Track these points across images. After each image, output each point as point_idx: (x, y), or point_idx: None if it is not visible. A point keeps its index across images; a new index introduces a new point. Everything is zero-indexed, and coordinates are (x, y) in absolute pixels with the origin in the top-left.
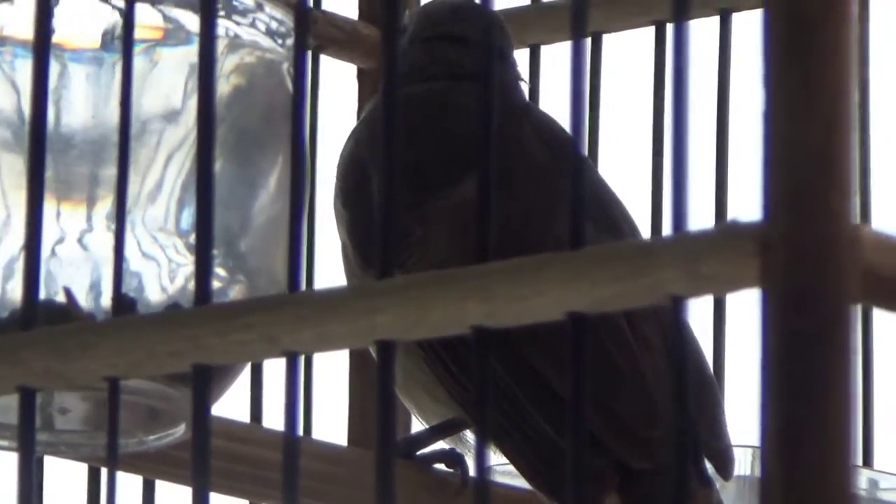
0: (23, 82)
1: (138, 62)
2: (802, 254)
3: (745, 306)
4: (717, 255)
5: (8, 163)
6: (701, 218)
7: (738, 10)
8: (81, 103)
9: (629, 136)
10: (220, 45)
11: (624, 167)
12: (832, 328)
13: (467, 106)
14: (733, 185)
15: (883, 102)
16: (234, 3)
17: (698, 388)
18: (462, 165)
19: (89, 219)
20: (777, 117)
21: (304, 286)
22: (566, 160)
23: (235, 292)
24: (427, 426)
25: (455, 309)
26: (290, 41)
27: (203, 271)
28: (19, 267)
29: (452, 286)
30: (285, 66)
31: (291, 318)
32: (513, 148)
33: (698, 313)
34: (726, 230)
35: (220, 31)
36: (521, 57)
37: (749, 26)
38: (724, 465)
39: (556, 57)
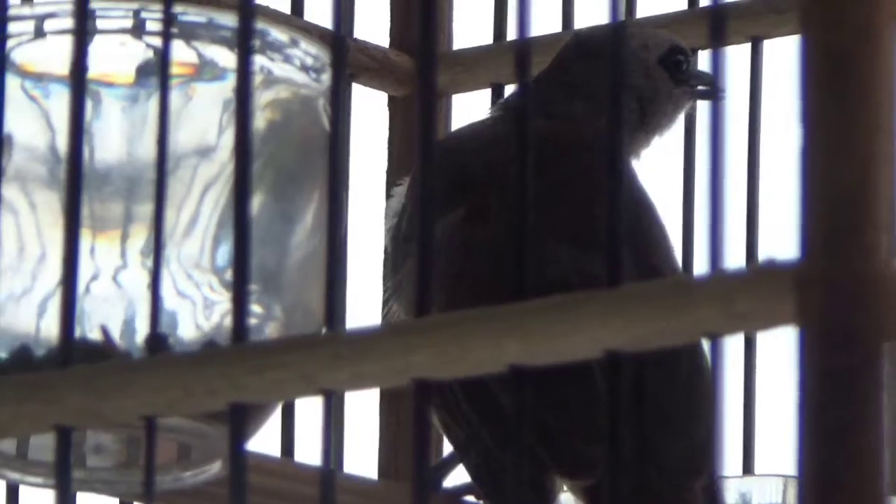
0: (57, 118)
1: (173, 98)
2: (839, 291)
3: (777, 343)
4: (754, 293)
5: (42, 200)
6: (733, 254)
7: (769, 37)
8: (116, 139)
9: (660, 165)
10: (255, 81)
11: (655, 196)
12: (869, 365)
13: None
14: (764, 218)
15: None
16: (269, 39)
17: (689, 414)
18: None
19: (123, 255)
20: (814, 155)
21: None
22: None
23: (271, 329)
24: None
25: (491, 347)
26: (325, 76)
27: (239, 309)
28: (54, 304)
29: (489, 324)
30: (321, 101)
31: (327, 356)
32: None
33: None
34: (763, 268)
35: (255, 67)
36: None
37: (780, 53)
38: (710, 498)
39: None
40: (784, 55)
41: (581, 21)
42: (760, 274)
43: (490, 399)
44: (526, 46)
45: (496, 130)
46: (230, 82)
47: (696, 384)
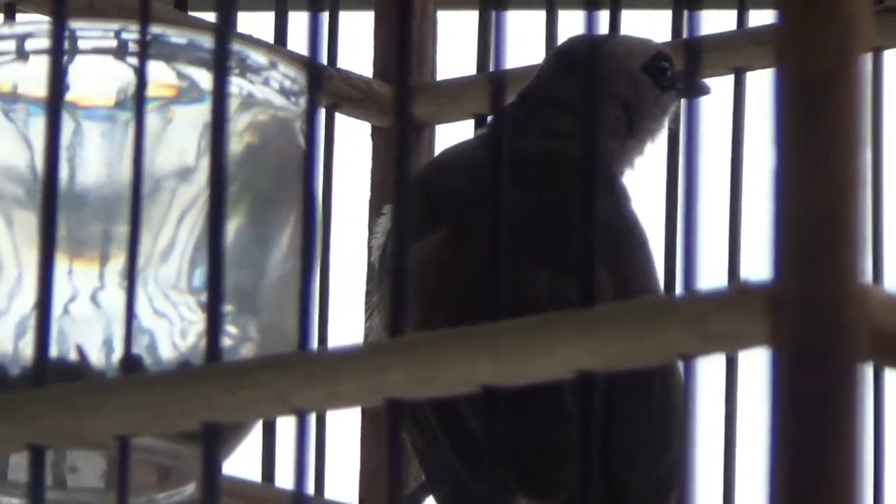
0: (36, 140)
1: (152, 120)
2: (812, 313)
3: (757, 365)
4: (728, 314)
5: (20, 220)
6: (714, 277)
7: (752, 69)
8: (95, 161)
9: (643, 190)
10: (233, 103)
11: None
12: (841, 386)
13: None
14: (747, 243)
15: None
16: (248, 61)
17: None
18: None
19: (102, 276)
20: (788, 178)
21: (316, 344)
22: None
23: (247, 350)
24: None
25: (465, 367)
26: (303, 99)
27: (213, 329)
28: (31, 325)
29: (462, 344)
30: (298, 124)
31: (301, 375)
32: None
33: (709, 371)
34: (736, 289)
35: (233, 89)
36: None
37: (763, 85)
38: None
39: None
40: (766, 86)
41: None
42: (733, 295)
43: (461, 424)
44: (502, 77)
45: (481, 151)
46: (209, 105)
47: (669, 404)
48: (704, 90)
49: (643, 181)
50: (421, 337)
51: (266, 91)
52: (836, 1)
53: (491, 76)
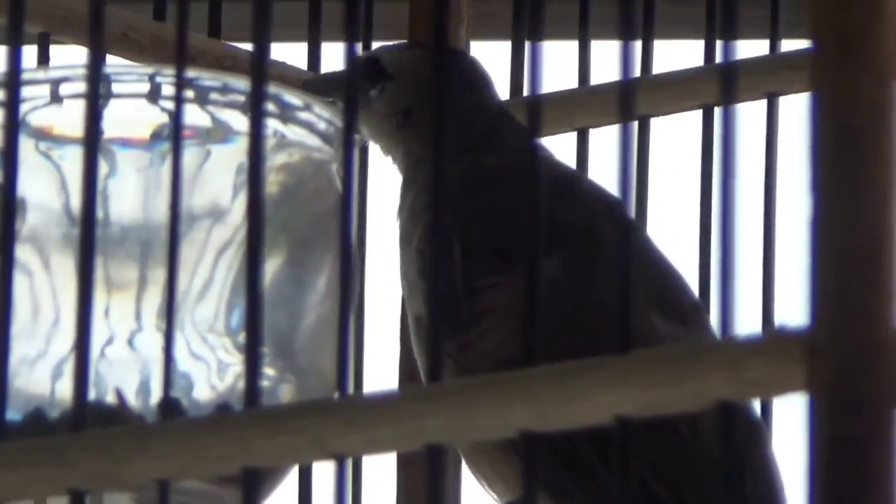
0: (73, 182)
1: (187, 161)
2: (849, 359)
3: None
4: (764, 360)
5: (58, 262)
6: (748, 317)
7: (785, 93)
8: (130, 202)
9: (676, 220)
10: (268, 144)
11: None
12: (879, 432)
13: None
14: (781, 277)
15: None
16: (283, 103)
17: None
18: (549, 244)
19: (138, 318)
20: (824, 225)
21: (352, 387)
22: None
23: (284, 391)
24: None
25: (503, 413)
26: (338, 141)
27: (252, 374)
28: (69, 367)
29: (500, 390)
30: (334, 165)
31: (340, 421)
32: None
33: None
34: (773, 335)
35: (268, 130)
36: (569, 140)
37: (796, 110)
38: None
39: (604, 141)
40: (800, 112)
41: (597, 77)
42: (770, 341)
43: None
44: (538, 102)
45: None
46: (243, 145)
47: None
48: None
49: (675, 212)
50: (458, 383)
51: (301, 133)
52: (871, 47)
53: (527, 100)
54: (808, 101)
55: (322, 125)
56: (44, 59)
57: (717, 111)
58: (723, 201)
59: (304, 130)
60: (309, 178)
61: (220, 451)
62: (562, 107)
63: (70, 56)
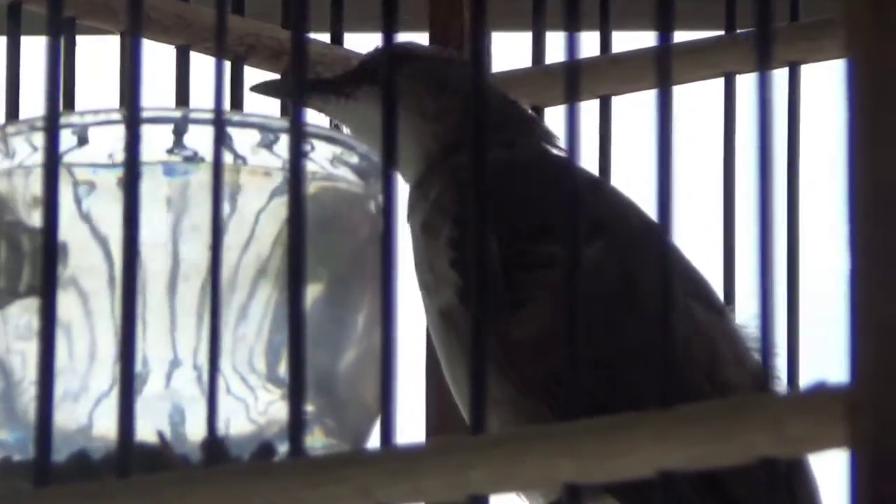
0: (108, 225)
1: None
2: (891, 417)
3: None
4: (805, 418)
5: (97, 305)
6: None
7: (806, 62)
8: (163, 242)
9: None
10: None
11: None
12: None
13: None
14: (805, 265)
15: None
16: (318, 140)
17: None
18: (591, 231)
19: (176, 358)
20: (863, 284)
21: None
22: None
23: (322, 429)
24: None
25: (547, 465)
26: (375, 177)
27: (296, 423)
28: (107, 406)
29: (544, 443)
30: (371, 202)
31: (385, 471)
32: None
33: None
34: (813, 393)
35: (305, 169)
36: (592, 107)
37: (819, 78)
38: None
39: (625, 109)
40: (823, 79)
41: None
42: (811, 399)
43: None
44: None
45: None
46: (273, 182)
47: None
48: None
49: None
50: (502, 435)
51: (335, 168)
52: None
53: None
54: (844, 164)
55: (355, 159)
56: (70, 48)
57: (740, 79)
58: (760, 184)
59: (342, 168)
60: (345, 213)
61: (265, 500)
62: (585, 75)
63: (93, 45)
